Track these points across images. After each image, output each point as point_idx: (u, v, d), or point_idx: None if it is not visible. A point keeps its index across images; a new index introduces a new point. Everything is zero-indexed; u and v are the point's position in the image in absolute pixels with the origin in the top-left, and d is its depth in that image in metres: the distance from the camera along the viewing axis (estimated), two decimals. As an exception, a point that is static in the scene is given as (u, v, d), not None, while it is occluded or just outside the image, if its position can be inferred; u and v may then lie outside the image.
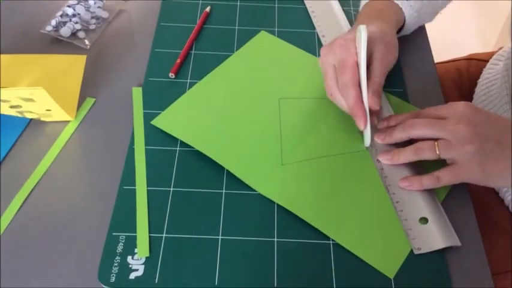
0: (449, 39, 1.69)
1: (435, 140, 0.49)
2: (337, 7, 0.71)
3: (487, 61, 0.81)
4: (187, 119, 0.56)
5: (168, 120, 0.56)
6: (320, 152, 0.54)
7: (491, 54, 0.83)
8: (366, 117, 0.52)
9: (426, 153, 0.49)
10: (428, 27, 0.70)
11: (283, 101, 0.58)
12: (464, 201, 0.52)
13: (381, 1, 0.61)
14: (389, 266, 0.46)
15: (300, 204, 0.49)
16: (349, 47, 0.52)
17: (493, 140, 0.48)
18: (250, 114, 0.57)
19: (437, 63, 0.87)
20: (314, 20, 0.69)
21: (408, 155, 0.51)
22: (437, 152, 0.48)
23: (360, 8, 0.63)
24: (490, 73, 0.74)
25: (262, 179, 0.51)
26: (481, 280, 0.46)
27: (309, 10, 0.70)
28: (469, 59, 0.85)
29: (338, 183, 0.51)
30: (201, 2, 0.72)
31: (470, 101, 0.78)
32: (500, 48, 0.80)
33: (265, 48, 0.65)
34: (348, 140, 0.55)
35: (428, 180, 0.50)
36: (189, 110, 0.57)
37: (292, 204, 0.49)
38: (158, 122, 0.56)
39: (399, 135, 0.52)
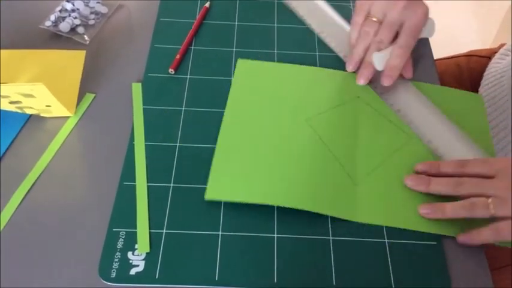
0: (448, 36, 1.70)
1: (487, 196, 0.47)
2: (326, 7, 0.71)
3: (488, 57, 0.82)
4: (235, 177, 0.51)
5: (219, 188, 0.50)
6: (377, 156, 0.54)
7: (492, 50, 0.83)
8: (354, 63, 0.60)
9: (479, 210, 0.47)
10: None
11: (311, 121, 0.57)
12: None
13: None
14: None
15: (399, 215, 0.50)
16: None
17: None
18: (288, 145, 0.54)
19: (437, 59, 0.87)
20: (307, 21, 0.69)
21: (459, 211, 0.48)
22: (492, 211, 0.46)
23: None
24: (497, 66, 0.75)
25: (341, 205, 0.50)
26: (481, 280, 0.47)
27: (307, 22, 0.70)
28: (469, 55, 0.85)
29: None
30: (200, -3, 0.72)
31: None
32: (503, 45, 0.81)
33: (254, 77, 0.62)
34: (393, 134, 0.56)
35: (487, 233, 0.47)
36: (231, 167, 0.52)
37: (389, 220, 0.50)
38: (212, 194, 0.50)
39: (445, 190, 0.50)
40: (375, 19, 0.59)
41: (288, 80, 0.62)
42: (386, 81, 0.58)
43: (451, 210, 0.48)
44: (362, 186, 0.51)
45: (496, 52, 0.81)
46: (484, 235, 0.47)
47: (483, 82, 0.77)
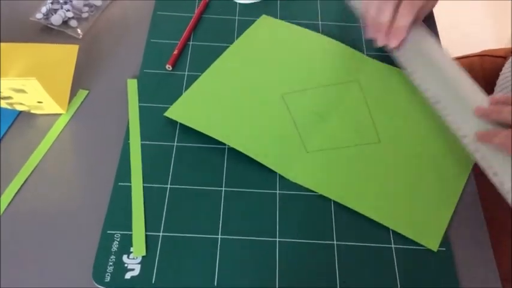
0: (461, 35, 1.72)
1: None
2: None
3: (503, 57, 0.83)
4: (200, 108, 0.59)
5: (181, 111, 0.58)
6: (337, 143, 0.57)
7: (507, 50, 0.85)
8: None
9: None
10: (440, 21, 0.72)
11: (288, 96, 0.61)
12: (473, 202, 0.54)
13: None
14: (431, 237, 0.51)
15: (334, 189, 0.54)
16: None
17: None
18: (260, 104, 0.60)
19: (450, 58, 0.90)
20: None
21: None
22: None
23: None
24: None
25: (288, 166, 0.55)
26: (489, 280, 0.49)
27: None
28: (482, 55, 0.87)
29: (367, 169, 0.56)
30: (199, -10, 0.74)
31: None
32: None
33: (266, 33, 0.68)
34: (364, 129, 0.59)
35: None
36: (201, 99, 0.60)
37: (326, 190, 0.54)
38: (171, 113, 0.58)
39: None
40: None
41: (290, 44, 0.67)
42: (392, 43, 0.61)
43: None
44: (312, 154, 0.56)
45: (511, 51, 0.83)
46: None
47: (498, 82, 0.78)
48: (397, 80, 0.64)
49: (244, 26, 0.70)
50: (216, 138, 0.56)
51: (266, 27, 0.69)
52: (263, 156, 0.55)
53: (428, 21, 0.71)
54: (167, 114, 0.58)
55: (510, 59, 0.79)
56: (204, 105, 0.59)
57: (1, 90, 0.53)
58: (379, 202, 0.53)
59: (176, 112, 0.58)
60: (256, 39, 0.67)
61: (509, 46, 0.86)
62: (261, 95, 0.61)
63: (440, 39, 0.71)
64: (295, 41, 0.68)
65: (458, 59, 0.88)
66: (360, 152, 0.57)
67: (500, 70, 0.80)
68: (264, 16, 0.71)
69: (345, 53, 0.68)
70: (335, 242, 0.50)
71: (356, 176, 0.55)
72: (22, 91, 0.53)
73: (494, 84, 0.79)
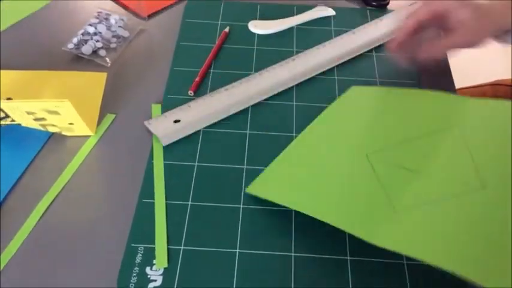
0: (472, 65, 1.75)
1: None
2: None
3: (516, 86, 0.86)
4: (282, 181, 0.56)
5: (262, 186, 0.57)
6: (431, 196, 0.48)
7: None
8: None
9: None
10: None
11: (373, 155, 0.55)
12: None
13: None
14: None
15: (431, 250, 0.43)
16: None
17: None
18: (343, 169, 0.55)
19: (461, 88, 0.92)
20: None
21: None
22: None
23: None
24: None
25: (374, 229, 0.47)
26: None
27: None
28: (495, 84, 0.90)
29: (471, 222, 0.45)
30: (220, 22, 0.79)
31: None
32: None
33: (356, 102, 0.65)
34: (463, 178, 0.49)
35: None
36: (282, 172, 0.57)
37: (421, 252, 0.43)
38: (253, 189, 0.57)
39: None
40: None
41: (383, 106, 0.63)
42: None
43: None
44: (402, 214, 0.47)
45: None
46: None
47: None
48: (504, 115, 0.54)
49: (262, 55, 0.74)
50: (299, 210, 0.52)
51: (356, 96, 0.66)
52: (349, 224, 0.48)
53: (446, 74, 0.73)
54: (249, 190, 0.57)
55: None
56: (285, 178, 0.56)
57: (36, 112, 0.57)
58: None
59: (257, 187, 0.57)
60: (344, 110, 0.64)
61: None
62: (345, 160, 0.56)
63: (451, 68, 0.74)
64: (387, 102, 0.63)
65: (471, 88, 0.91)
66: (461, 204, 0.46)
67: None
68: (353, 87, 0.67)
69: (439, 99, 0.60)
70: (348, 258, 0.52)
71: (459, 232, 0.44)
72: (55, 113, 0.57)
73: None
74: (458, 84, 0.80)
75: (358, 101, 0.65)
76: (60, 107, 0.56)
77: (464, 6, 0.58)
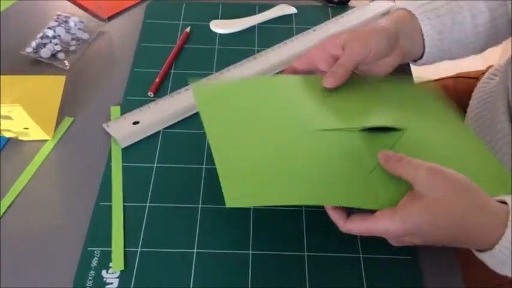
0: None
1: None
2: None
3: (475, 78, 0.87)
4: (250, 181, 0.49)
5: (238, 195, 0.48)
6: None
7: (479, 72, 0.89)
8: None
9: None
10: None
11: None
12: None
13: (399, 11, 0.64)
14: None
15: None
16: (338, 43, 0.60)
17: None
18: (290, 142, 0.54)
19: (423, 82, 0.93)
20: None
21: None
22: None
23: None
24: (485, 87, 0.80)
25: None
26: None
27: None
28: (456, 77, 0.91)
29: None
30: (181, 22, 0.79)
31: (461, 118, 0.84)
32: (491, 66, 0.87)
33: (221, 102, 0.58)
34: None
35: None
36: (241, 172, 0.50)
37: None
38: (231, 202, 0.47)
39: None
40: None
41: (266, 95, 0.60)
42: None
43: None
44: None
45: (483, 73, 0.86)
46: None
47: (471, 102, 0.82)
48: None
49: (223, 54, 0.74)
50: (287, 204, 0.48)
51: (211, 96, 0.58)
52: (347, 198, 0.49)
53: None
54: (229, 205, 0.46)
55: (480, 82, 0.83)
56: (247, 175, 0.50)
57: (-11, 117, 0.56)
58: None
59: (234, 198, 0.47)
60: (218, 109, 0.57)
61: (484, 68, 0.89)
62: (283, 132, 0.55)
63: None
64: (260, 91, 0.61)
65: (433, 81, 0.92)
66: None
67: (473, 91, 0.83)
68: (192, 85, 0.60)
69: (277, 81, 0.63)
70: (305, 253, 0.53)
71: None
72: (8, 117, 0.57)
73: (467, 105, 0.82)
74: (419, 79, 0.80)
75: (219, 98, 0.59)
76: (12, 112, 0.55)
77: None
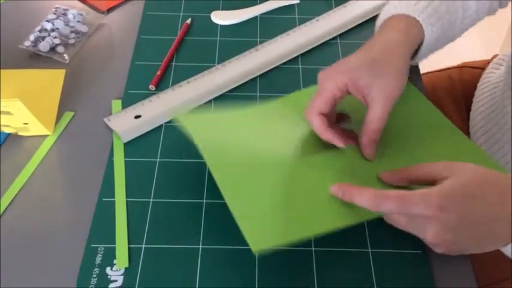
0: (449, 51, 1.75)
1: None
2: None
3: (481, 68, 0.86)
4: (270, 221, 0.49)
5: (262, 238, 0.47)
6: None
7: (485, 61, 0.88)
8: (340, 137, 0.53)
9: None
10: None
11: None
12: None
13: (402, 17, 0.58)
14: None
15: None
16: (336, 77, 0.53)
17: (469, 239, 0.46)
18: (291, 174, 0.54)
19: (429, 72, 0.92)
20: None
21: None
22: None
23: (377, 25, 0.63)
24: (490, 77, 0.79)
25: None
26: (464, 282, 0.50)
27: None
28: (461, 67, 0.90)
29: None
30: (182, 14, 0.77)
31: (465, 108, 0.83)
32: (496, 56, 0.85)
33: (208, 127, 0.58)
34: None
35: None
36: (257, 213, 0.50)
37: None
38: (257, 246, 0.46)
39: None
40: None
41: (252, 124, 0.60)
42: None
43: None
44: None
45: (489, 62, 0.85)
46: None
47: (477, 93, 0.81)
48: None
49: (225, 46, 0.72)
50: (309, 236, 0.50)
51: (197, 123, 0.58)
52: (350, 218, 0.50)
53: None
54: (256, 249, 0.46)
55: (485, 74, 0.82)
56: (266, 216, 0.49)
57: (-12, 113, 0.55)
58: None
59: (259, 241, 0.47)
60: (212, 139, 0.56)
61: (489, 57, 0.88)
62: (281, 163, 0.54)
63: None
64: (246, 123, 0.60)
65: (438, 71, 0.91)
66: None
67: (477, 82, 0.82)
68: (179, 116, 0.58)
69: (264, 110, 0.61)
70: (313, 249, 0.52)
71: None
72: (8, 113, 0.56)
73: (472, 95, 0.81)
74: (424, 69, 0.79)
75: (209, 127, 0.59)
76: (11, 107, 0.54)
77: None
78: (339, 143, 0.53)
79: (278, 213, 0.50)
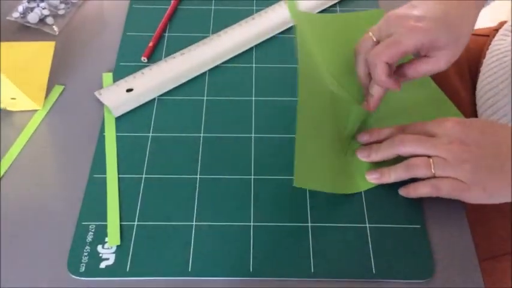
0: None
1: (429, 157, 0.49)
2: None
3: (486, 36, 0.83)
4: (319, 167, 0.52)
5: (307, 178, 0.50)
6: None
7: (491, 29, 0.85)
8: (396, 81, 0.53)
9: (421, 170, 0.49)
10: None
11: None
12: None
13: None
14: None
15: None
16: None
17: (490, 156, 0.48)
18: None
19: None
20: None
21: (400, 172, 0.51)
22: (433, 171, 0.49)
23: None
24: (500, 45, 0.76)
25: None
26: (465, 258, 0.49)
27: None
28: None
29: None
30: (175, -18, 0.74)
31: (470, 79, 0.80)
32: (504, 23, 0.82)
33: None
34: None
35: (425, 188, 0.50)
36: (313, 155, 0.52)
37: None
38: (299, 183, 0.48)
39: (387, 153, 0.52)
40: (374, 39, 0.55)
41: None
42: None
43: (394, 173, 0.51)
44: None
45: (495, 30, 0.82)
46: (421, 190, 0.50)
47: (485, 62, 0.78)
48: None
49: (219, 15, 0.70)
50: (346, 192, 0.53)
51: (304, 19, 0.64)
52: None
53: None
54: (297, 185, 0.48)
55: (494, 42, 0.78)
56: (318, 161, 0.52)
57: (-27, 88, 0.53)
58: None
59: (303, 180, 0.49)
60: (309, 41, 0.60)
61: (495, 25, 0.85)
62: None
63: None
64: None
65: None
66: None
67: (482, 50, 0.79)
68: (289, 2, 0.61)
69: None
70: (309, 224, 0.50)
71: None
72: (-7, 88, 0.54)
73: (478, 63, 0.78)
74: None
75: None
76: (-4, 82, 0.52)
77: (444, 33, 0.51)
78: (397, 86, 0.53)
79: (329, 163, 0.53)
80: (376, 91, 0.55)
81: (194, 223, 0.50)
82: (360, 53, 0.56)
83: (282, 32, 0.68)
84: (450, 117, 0.51)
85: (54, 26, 0.68)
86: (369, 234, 0.50)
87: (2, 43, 0.64)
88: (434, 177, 0.49)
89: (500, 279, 0.61)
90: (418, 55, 0.54)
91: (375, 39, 0.54)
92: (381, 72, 0.52)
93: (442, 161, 0.49)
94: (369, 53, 0.53)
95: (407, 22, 0.52)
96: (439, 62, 0.52)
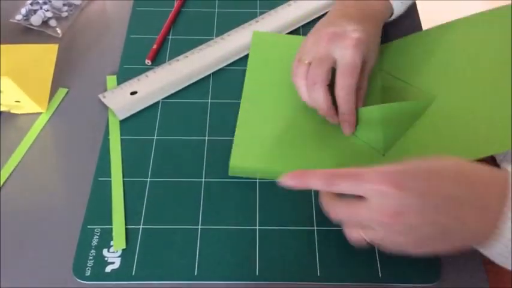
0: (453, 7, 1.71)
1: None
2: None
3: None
4: (258, 147, 0.55)
5: (242, 157, 0.54)
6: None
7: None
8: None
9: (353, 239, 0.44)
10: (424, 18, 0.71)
11: None
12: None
13: None
14: None
15: None
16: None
17: (430, 224, 0.39)
18: (306, 116, 0.58)
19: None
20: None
21: (335, 211, 0.43)
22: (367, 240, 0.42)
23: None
24: None
25: None
26: (471, 263, 0.48)
27: None
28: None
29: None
30: (179, -16, 0.74)
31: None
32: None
33: (270, 51, 0.65)
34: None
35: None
36: (253, 138, 0.55)
37: None
38: (235, 165, 0.53)
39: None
40: (306, 61, 0.54)
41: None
42: (346, 131, 0.55)
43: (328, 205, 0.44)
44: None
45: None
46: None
47: None
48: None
49: (223, 18, 0.70)
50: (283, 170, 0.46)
51: (265, 43, 0.65)
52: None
53: (412, 18, 0.70)
54: (233, 164, 0.53)
55: None
56: (258, 141, 0.55)
57: (-23, 91, 0.53)
58: None
59: (238, 159, 0.53)
60: (263, 58, 0.64)
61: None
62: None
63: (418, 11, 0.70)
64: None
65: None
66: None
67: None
68: (255, 32, 0.66)
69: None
70: (315, 228, 0.50)
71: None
72: (-2, 91, 0.54)
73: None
74: (426, 25, 0.76)
75: (269, 47, 0.66)
76: (1, 85, 0.52)
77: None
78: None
79: (269, 141, 0.55)
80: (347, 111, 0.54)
81: (200, 226, 0.50)
82: (301, 80, 0.54)
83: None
84: (389, 169, 0.39)
85: (57, 29, 0.68)
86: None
87: (5, 46, 0.64)
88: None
89: (505, 282, 0.61)
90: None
91: (306, 62, 0.54)
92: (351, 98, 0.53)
93: (374, 234, 0.41)
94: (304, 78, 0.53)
95: (358, 40, 0.52)
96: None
